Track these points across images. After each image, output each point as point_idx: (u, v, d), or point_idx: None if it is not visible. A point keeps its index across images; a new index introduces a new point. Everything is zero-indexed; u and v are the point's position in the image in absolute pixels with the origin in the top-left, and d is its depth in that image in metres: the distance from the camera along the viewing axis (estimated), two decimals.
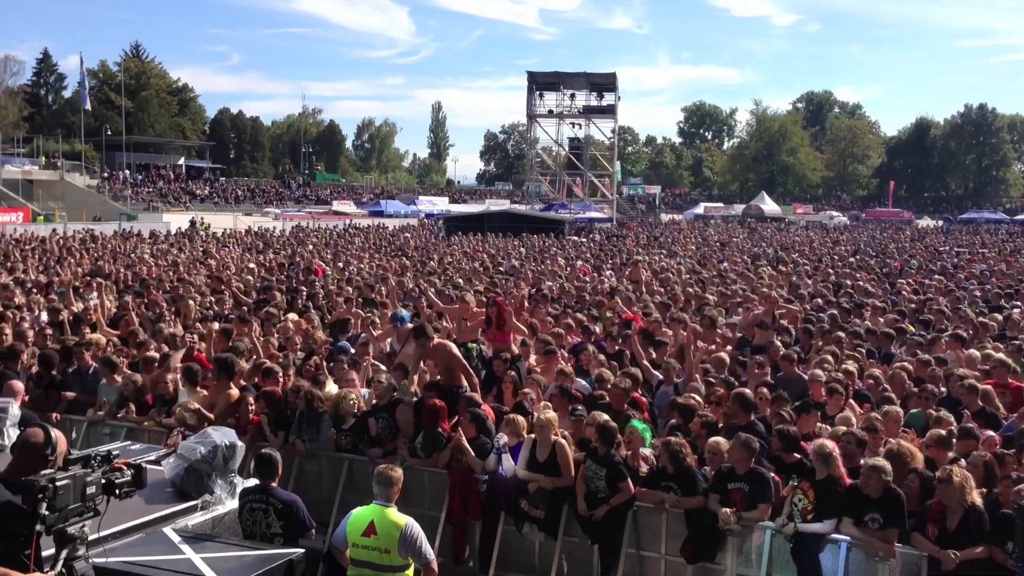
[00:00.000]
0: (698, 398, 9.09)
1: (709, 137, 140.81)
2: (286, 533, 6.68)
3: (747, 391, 8.84)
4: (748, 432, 7.74)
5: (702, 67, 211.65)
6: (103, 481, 4.33)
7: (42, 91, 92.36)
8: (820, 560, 6.89)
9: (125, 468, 4.49)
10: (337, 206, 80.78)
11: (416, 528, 6.11)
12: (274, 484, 6.88)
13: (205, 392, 9.52)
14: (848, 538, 6.85)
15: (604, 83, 72.80)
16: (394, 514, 6.13)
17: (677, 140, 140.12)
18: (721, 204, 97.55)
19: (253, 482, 7.24)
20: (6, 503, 4.14)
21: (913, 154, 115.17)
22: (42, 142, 73.51)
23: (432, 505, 8.35)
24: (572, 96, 74.28)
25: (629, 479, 7.61)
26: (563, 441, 7.87)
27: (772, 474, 7.47)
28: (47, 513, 4.03)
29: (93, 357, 10.67)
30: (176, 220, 52.65)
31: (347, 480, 8.74)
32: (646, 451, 8.03)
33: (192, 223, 49.89)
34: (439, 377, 9.54)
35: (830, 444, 7.23)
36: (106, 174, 72.72)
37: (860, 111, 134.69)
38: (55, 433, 4.43)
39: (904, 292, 18.99)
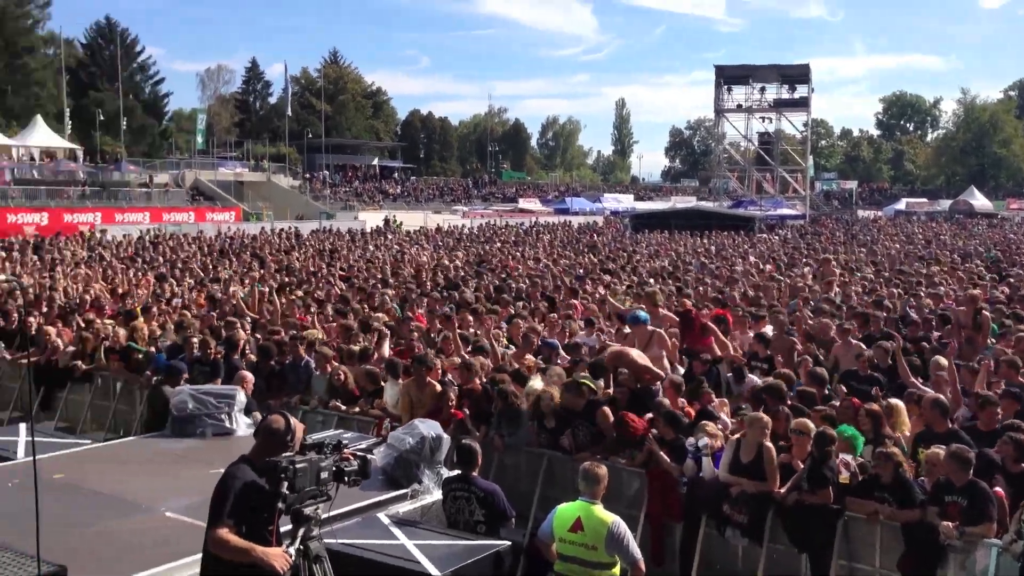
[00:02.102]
0: None
1: (911, 129, 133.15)
2: (487, 521, 6.87)
3: (942, 397, 8.32)
4: (953, 440, 7.30)
5: (902, 55, 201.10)
6: (334, 468, 4.59)
7: (251, 98, 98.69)
8: None
9: (352, 458, 4.74)
10: (523, 204, 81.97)
11: (623, 527, 6.10)
12: (475, 474, 7.08)
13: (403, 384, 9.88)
14: None
15: (796, 75, 70.16)
16: (601, 511, 6.14)
17: (875, 132, 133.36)
18: (924, 199, 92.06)
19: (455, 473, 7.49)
20: (251, 483, 4.46)
21: None
22: (251, 146, 78.66)
23: (631, 504, 8.29)
24: (762, 89, 71.94)
25: (830, 488, 7.32)
26: (770, 444, 7.65)
27: (997, 488, 7.01)
28: (288, 492, 4.32)
29: (306, 350, 11.29)
30: (371, 218, 55.00)
31: (546, 475, 8.83)
32: (847, 457, 7.67)
33: (386, 221, 52.04)
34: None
35: None
36: (307, 175, 76.93)
37: None
38: (294, 421, 4.74)
39: None
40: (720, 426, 8.47)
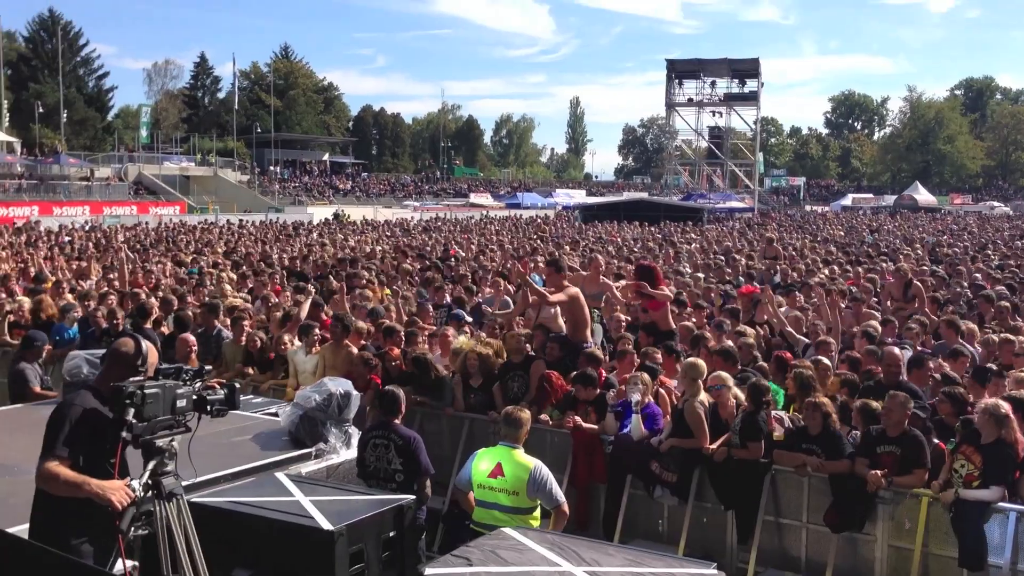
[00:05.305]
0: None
1: (858, 127, 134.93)
2: (405, 470, 6.55)
3: (896, 351, 8.09)
4: (901, 391, 7.03)
5: (851, 57, 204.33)
6: (195, 396, 4.11)
7: (199, 93, 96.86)
8: (985, 531, 6.12)
9: (218, 387, 4.27)
10: (475, 199, 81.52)
11: (545, 470, 5.84)
12: (396, 421, 6.75)
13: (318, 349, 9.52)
14: (1018, 507, 6.04)
15: (746, 69, 70.87)
16: (522, 456, 5.89)
17: (824, 131, 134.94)
18: (871, 195, 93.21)
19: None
20: (91, 410, 3.98)
21: None
22: (198, 140, 77.18)
23: (556, 466, 7.89)
24: (713, 84, 72.65)
25: (762, 442, 7.00)
26: (695, 402, 7.32)
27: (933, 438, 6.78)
28: (134, 421, 3.83)
29: (219, 319, 10.84)
30: (320, 213, 54.19)
31: (468, 439, 8.45)
32: (779, 413, 7.37)
33: (336, 215, 51.34)
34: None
35: (1006, 405, 6.40)
36: (256, 170, 75.70)
37: None
38: (146, 344, 4.26)
39: None
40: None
